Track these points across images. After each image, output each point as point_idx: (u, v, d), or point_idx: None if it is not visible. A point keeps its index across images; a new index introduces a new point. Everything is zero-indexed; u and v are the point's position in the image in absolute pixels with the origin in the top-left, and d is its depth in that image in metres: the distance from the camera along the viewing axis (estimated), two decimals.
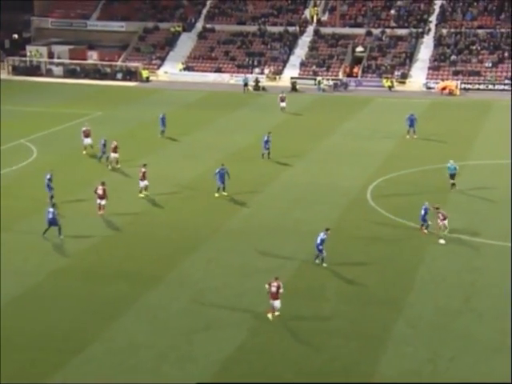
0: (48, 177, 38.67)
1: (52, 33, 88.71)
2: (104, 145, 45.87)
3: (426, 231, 34.63)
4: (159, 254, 32.90)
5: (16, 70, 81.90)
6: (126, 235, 35.22)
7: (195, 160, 47.42)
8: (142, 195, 39.92)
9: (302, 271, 30.99)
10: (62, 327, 26.42)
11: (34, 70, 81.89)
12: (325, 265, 30.93)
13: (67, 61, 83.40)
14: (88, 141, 48.48)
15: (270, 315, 26.57)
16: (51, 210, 34.15)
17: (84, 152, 48.31)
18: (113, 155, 45.48)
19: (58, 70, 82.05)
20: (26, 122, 58.49)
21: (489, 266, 31.53)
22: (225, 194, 39.99)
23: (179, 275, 30.76)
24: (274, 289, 26.37)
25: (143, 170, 39.93)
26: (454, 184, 41.15)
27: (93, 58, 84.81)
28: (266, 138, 47.63)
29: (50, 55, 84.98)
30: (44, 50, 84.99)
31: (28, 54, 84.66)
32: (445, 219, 33.83)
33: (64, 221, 35.27)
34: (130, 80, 79.81)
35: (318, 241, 30.90)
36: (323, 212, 38.06)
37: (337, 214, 37.83)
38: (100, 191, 37.00)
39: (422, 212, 34.48)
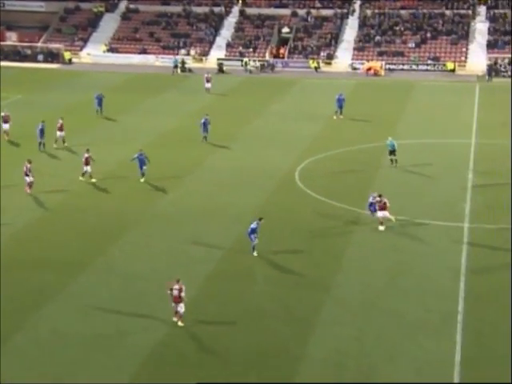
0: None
1: None
2: (41, 130, 44.77)
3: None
4: (85, 240, 32.52)
5: None
6: (51, 221, 34.70)
7: (121, 144, 46.93)
8: (82, 179, 39.58)
9: (230, 255, 31.12)
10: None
11: None
12: (255, 254, 30.75)
13: None
14: (6, 126, 47.42)
15: (177, 320, 25.27)
16: None
17: (6, 138, 47.16)
18: (59, 134, 45.67)
19: None
20: None
21: (414, 245, 32.29)
22: (142, 180, 39.50)
23: (107, 262, 30.52)
24: (175, 292, 25.03)
25: (86, 155, 39.43)
26: (395, 160, 41.85)
27: (12, 39, 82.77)
28: (203, 121, 47.27)
29: None
30: None
31: None
32: (384, 209, 32.97)
33: None
34: (51, 62, 78.27)
35: (249, 230, 30.69)
36: (251, 195, 38.26)
37: (265, 197, 38.07)
38: (25, 168, 37.20)
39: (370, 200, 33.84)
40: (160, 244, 32.25)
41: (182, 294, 25.04)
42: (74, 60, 79.10)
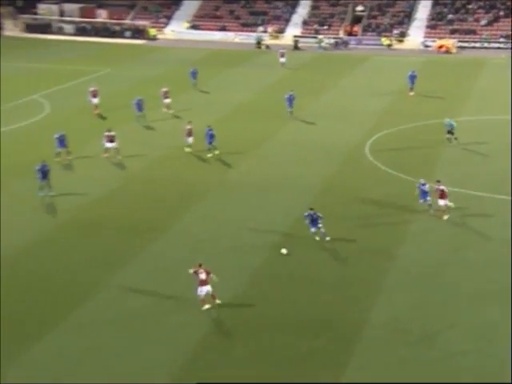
0: (57, 136, 37.89)
1: None
2: (138, 104, 45.00)
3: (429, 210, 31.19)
4: (163, 206, 32.79)
5: (28, 28, 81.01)
6: (133, 188, 35.08)
7: (198, 116, 46.93)
8: (188, 150, 39.30)
9: (297, 224, 30.83)
10: (73, 275, 26.49)
11: (46, 28, 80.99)
12: (317, 238, 28.73)
13: (77, 19, 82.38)
14: (95, 100, 47.40)
15: (208, 306, 24.00)
16: (45, 164, 33.12)
17: (95, 112, 47.42)
18: (166, 101, 46.87)
19: (68, 27, 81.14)
20: (39, 78, 57.98)
21: (476, 219, 31.35)
22: (216, 152, 38.92)
23: (182, 227, 30.72)
24: (202, 276, 23.81)
25: (188, 126, 39.26)
26: (454, 138, 40.46)
27: (102, 16, 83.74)
28: (288, 96, 46.60)
29: (61, 13, 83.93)
30: (55, 8, 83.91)
31: (40, 12, 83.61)
32: (444, 197, 30.54)
33: (69, 176, 35.19)
34: (137, 38, 78.93)
35: (306, 219, 28.78)
36: (321, 167, 37.82)
37: (335, 169, 37.60)
38: (108, 138, 38.04)
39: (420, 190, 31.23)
40: (231, 212, 32.22)
41: (211, 276, 23.92)
42: (158, 36, 79.55)
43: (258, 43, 74.18)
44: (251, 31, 78.28)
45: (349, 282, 25.99)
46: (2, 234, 29.52)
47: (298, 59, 66.78)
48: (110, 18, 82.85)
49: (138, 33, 79.85)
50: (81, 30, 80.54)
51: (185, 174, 36.78)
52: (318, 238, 28.82)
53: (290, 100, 46.47)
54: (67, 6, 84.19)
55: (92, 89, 47.79)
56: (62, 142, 37.77)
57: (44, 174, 32.85)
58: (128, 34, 79.85)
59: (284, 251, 27.51)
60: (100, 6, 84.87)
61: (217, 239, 29.38)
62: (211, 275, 23.97)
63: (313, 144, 41.67)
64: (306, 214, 28.92)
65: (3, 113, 47.11)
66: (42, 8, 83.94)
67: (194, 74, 54.85)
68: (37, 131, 42.62)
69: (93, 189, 34.53)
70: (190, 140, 39.32)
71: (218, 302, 24.09)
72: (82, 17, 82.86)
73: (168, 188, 34.91)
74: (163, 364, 21.38)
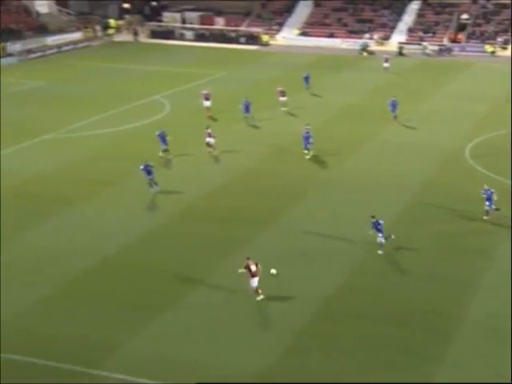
0: (158, 133, 38.53)
1: (185, 1, 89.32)
2: (246, 106, 45.46)
3: (486, 217, 29.93)
4: (269, 201, 32.94)
5: (154, 34, 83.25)
6: (238, 184, 35.39)
7: (305, 117, 46.85)
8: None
9: (397, 223, 30.27)
10: (182, 262, 27.01)
11: (169, 34, 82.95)
12: (380, 252, 27.18)
13: (197, 26, 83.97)
14: (207, 103, 47.55)
15: (260, 297, 24.08)
16: (148, 163, 33.32)
17: (207, 114, 47.52)
18: (281, 99, 47.72)
19: (189, 34, 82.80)
20: (161, 80, 59.48)
21: None
22: (310, 154, 38.31)
23: (287, 221, 30.76)
24: (254, 267, 23.95)
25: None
26: None
27: (220, 23, 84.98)
28: (391, 101, 45.76)
29: (183, 21, 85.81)
30: (178, 16, 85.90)
31: (164, 19, 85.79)
32: None
33: (180, 170, 35.90)
34: (251, 44, 79.56)
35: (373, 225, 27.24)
36: (421, 168, 36.98)
37: (434, 170, 36.66)
38: (207, 134, 38.71)
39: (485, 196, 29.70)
40: (331, 208, 31.98)
41: (259, 267, 24.02)
42: (270, 42, 79.92)
43: (363, 49, 73.20)
44: (358, 38, 77.40)
45: (448, 279, 25.31)
46: (125, 224, 30.50)
47: (402, 65, 65.49)
48: (227, 25, 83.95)
49: (252, 39, 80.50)
50: (200, 36, 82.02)
51: (289, 172, 36.80)
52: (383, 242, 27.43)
53: (393, 105, 45.64)
54: (188, 14, 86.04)
55: (205, 92, 48.14)
56: (163, 139, 38.27)
57: (148, 172, 33.16)
58: (243, 39, 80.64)
59: (273, 271, 24.71)
60: (218, 14, 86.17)
61: (318, 233, 29.23)
62: (259, 266, 23.94)
63: (413, 146, 40.77)
64: (373, 221, 27.28)
65: (130, 111, 48.66)
66: (166, 16, 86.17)
67: (307, 79, 54.77)
68: (156, 129, 43.73)
69: (202, 184, 35.11)
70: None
71: (259, 297, 24.01)
72: (201, 24, 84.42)
73: (273, 184, 35.03)
74: (268, 346, 21.48)
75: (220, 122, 45.78)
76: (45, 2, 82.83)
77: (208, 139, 38.99)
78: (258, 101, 48.74)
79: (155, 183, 33.54)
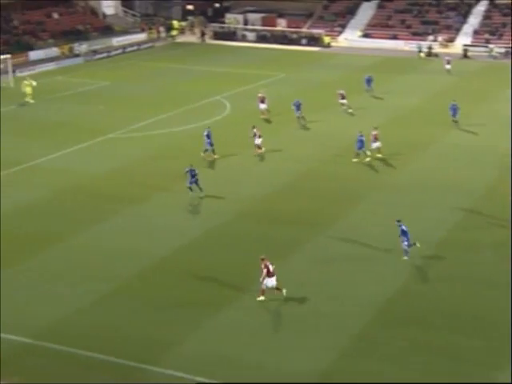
0: (205, 133, 38.74)
1: (248, 2, 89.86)
2: (297, 105, 45.66)
3: None
4: (328, 203, 32.90)
5: (216, 35, 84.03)
6: (294, 186, 35.41)
7: (361, 119, 46.59)
8: (378, 155, 38.46)
9: (459, 225, 29.83)
10: (237, 262, 27.24)
11: (231, 36, 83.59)
12: (405, 257, 26.81)
13: (259, 27, 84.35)
14: (263, 106, 47.49)
15: (283, 291, 24.01)
16: (191, 169, 32.73)
17: (262, 116, 47.61)
18: (342, 101, 48.07)
19: (251, 35, 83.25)
20: (223, 80, 60.00)
21: None
22: (354, 160, 38.07)
23: (344, 223, 30.65)
24: (271, 267, 23.77)
25: (374, 132, 38.65)
26: None
27: (281, 25, 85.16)
28: (451, 106, 45.14)
29: (245, 22, 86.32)
30: (240, 17, 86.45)
31: (226, 21, 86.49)
32: None
33: (235, 171, 36.14)
34: (313, 45, 79.41)
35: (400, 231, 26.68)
36: (484, 172, 36.29)
37: (497, 174, 35.93)
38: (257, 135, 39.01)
39: None
40: (390, 210, 31.66)
41: (274, 267, 23.83)
42: (332, 44, 79.65)
43: (420, 51, 71.98)
44: (421, 40, 76.32)
45: (508, 286, 24.77)
46: (182, 224, 30.94)
47: (467, 67, 64.37)
48: (289, 27, 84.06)
49: (314, 40, 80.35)
50: (261, 38, 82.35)
51: (346, 174, 36.68)
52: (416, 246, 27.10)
53: (454, 109, 44.97)
54: (251, 16, 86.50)
55: (260, 95, 48.20)
56: (209, 138, 38.45)
57: (193, 176, 32.70)
58: (304, 41, 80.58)
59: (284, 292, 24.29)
60: (280, 16, 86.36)
61: (375, 236, 29.05)
62: (274, 266, 23.79)
63: (475, 150, 40.08)
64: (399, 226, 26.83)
65: (191, 111, 49.29)
66: (228, 17, 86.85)
67: (369, 81, 54.39)
68: (216, 129, 44.16)
69: (258, 185, 35.30)
70: (376, 145, 38.43)
71: (284, 292, 23.95)
72: (263, 25, 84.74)
73: (331, 186, 34.96)
74: (323, 349, 21.50)
75: (277, 123, 45.96)
76: (111, 4, 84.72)
77: (257, 140, 39.20)
78: (318, 102, 48.67)
79: (200, 188, 32.83)
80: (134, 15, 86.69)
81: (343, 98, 48.46)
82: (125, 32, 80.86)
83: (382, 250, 27.72)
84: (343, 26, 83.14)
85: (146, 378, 20.43)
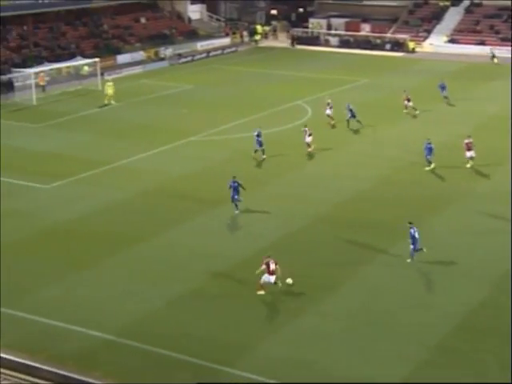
0: (256, 133, 39.13)
1: (332, 7, 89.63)
2: (350, 110, 45.36)
3: None
4: (404, 211, 32.44)
5: (298, 40, 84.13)
6: (371, 193, 35.05)
7: (444, 126, 45.63)
8: (468, 165, 37.75)
9: None
10: (317, 266, 27.19)
11: (314, 40, 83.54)
12: (408, 260, 27.01)
13: (343, 32, 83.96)
14: (329, 112, 47.17)
15: (262, 292, 24.75)
16: (234, 181, 31.59)
17: (331, 122, 47.09)
18: (407, 104, 48.42)
19: (334, 40, 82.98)
20: (304, 85, 60.02)
21: None
22: (432, 166, 37.25)
23: (423, 231, 30.10)
24: (273, 266, 24.49)
25: (467, 140, 37.88)
26: None
27: (365, 30, 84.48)
28: None
29: (329, 27, 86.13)
30: (324, 22, 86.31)
31: (310, 25, 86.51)
32: None
33: (311, 175, 36.06)
34: (397, 51, 78.42)
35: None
36: None
37: None
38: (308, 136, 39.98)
39: None
40: (473, 220, 30.98)
41: (277, 267, 24.55)
42: (417, 49, 78.40)
43: (493, 56, 69.97)
44: (511, 45, 74.08)
45: None
46: (262, 227, 31.15)
47: None
48: (373, 32, 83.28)
49: (398, 46, 79.33)
50: (345, 43, 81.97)
51: (431, 181, 36.03)
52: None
53: None
54: (334, 21, 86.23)
55: (328, 101, 48.13)
56: (259, 137, 39.08)
57: (235, 189, 31.43)
58: (388, 46, 79.69)
59: (290, 281, 25.08)
60: (364, 21, 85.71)
61: (457, 246, 28.44)
62: (277, 266, 24.52)
63: None
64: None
65: (273, 115, 49.55)
66: (312, 22, 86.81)
67: (443, 88, 53.21)
68: (296, 134, 44.37)
69: (336, 190, 35.21)
70: (470, 154, 37.53)
71: (289, 281, 24.86)
72: (347, 30, 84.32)
73: (409, 194, 34.47)
74: (403, 358, 21.23)
75: (357, 129, 45.67)
76: (197, 9, 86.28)
77: (308, 139, 40.14)
78: (400, 108, 47.92)
79: (236, 205, 31.64)
80: (218, 20, 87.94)
81: (409, 100, 48.29)
82: (209, 36, 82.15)
83: (463, 261, 27.06)
84: (429, 31, 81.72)
85: (220, 379, 20.66)
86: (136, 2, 77.09)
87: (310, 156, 39.89)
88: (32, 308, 24.09)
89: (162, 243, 29.48)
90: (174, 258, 28.13)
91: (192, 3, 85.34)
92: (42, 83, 56.73)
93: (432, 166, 37.42)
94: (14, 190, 35.22)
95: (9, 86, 56.27)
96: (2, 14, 61.67)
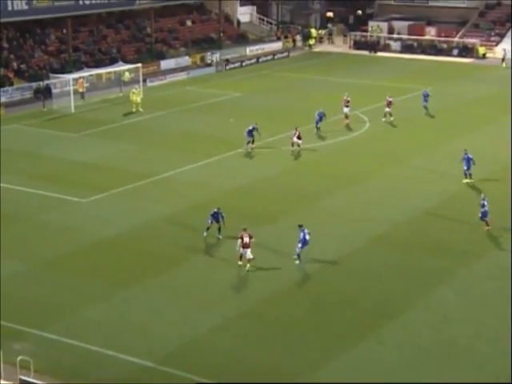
0: (250, 128, 42.18)
1: (393, 9, 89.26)
2: (320, 116, 46.58)
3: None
4: (477, 230, 31.93)
5: (356, 45, 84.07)
6: (441, 209, 34.61)
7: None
8: None
9: None
10: (377, 292, 26.93)
11: (373, 45, 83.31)
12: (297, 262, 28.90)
13: (405, 36, 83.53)
14: (346, 110, 49.09)
15: (243, 264, 28.29)
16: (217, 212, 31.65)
17: (345, 122, 48.87)
18: (387, 110, 49.05)
19: (395, 45, 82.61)
20: (363, 93, 59.77)
21: None
22: (464, 181, 37.57)
23: (495, 257, 29.58)
24: (247, 239, 27.98)
25: None
26: None
27: (430, 33, 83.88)
28: None
29: (390, 31, 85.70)
30: (384, 25, 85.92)
31: (369, 29, 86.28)
32: None
33: (379, 189, 35.86)
34: (465, 56, 77.67)
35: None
36: None
37: None
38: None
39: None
40: None
41: (252, 240, 28.08)
42: (487, 55, 77.46)
43: (503, 59, 69.17)
44: None
45: None
46: (322, 246, 31.11)
47: None
48: (438, 36, 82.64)
49: (466, 51, 78.55)
50: (407, 48, 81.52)
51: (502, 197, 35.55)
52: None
53: None
54: (396, 24, 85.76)
55: (346, 98, 48.93)
56: (250, 132, 42.46)
57: (216, 218, 31.56)
58: (455, 52, 78.98)
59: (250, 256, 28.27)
60: (429, 24, 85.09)
61: None
62: (253, 239, 28.09)
63: None
64: None
65: (327, 126, 49.45)
66: (371, 25, 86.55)
67: (426, 97, 52.93)
68: (354, 147, 44.20)
69: (404, 208, 34.87)
70: None
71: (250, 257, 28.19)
72: (410, 34, 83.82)
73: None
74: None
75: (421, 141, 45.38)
76: (246, 11, 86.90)
77: (295, 139, 42.90)
78: (469, 120, 47.34)
79: (219, 232, 31.77)
80: (269, 23, 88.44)
81: (389, 105, 49.27)
82: (259, 40, 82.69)
83: None
84: (501, 35, 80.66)
85: None
86: (181, 3, 78.04)
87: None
88: (69, 330, 24.40)
89: (210, 263, 29.59)
90: (223, 279, 28.16)
91: (241, 5, 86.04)
92: (81, 90, 57.83)
93: (468, 179, 37.51)
94: (49, 204, 35.84)
95: (46, 93, 57.47)
96: (41, 17, 63.14)
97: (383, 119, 49.29)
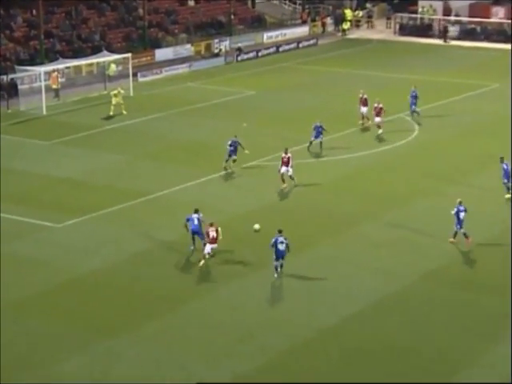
0: (229, 143, 42.68)
1: None
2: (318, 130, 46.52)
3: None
4: None
5: (403, 30, 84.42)
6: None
7: None
8: None
9: None
10: (433, 341, 27.19)
11: (425, 30, 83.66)
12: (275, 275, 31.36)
13: (466, 19, 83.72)
14: (364, 109, 50.44)
15: (203, 262, 31.95)
16: (196, 216, 33.32)
17: (360, 121, 50.06)
18: (377, 119, 49.23)
19: (453, 29, 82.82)
20: (407, 92, 60.17)
21: None
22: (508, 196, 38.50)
23: None
24: (213, 234, 31.74)
25: None
26: None
27: (498, 15, 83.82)
28: None
29: (446, 12, 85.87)
30: (439, 5, 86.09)
31: (419, 10, 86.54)
32: None
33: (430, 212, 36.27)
34: None
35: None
36: None
37: None
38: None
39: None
40: None
41: (220, 237, 31.96)
42: None
43: None
44: None
45: None
46: (365, 285, 31.39)
47: None
48: (509, 18, 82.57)
49: None
50: (468, 33, 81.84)
51: None
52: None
53: None
54: (454, 4, 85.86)
55: (362, 96, 50.14)
56: (234, 148, 42.78)
57: (194, 231, 33.38)
58: None
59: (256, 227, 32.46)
60: (496, 2, 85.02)
61: None
62: (220, 232, 31.99)
63: None
64: None
65: (365, 132, 49.84)
66: (422, 5, 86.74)
67: (414, 98, 53.32)
68: (399, 158, 44.52)
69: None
70: None
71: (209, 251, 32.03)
72: (471, 16, 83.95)
73: None
74: None
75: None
76: None
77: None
78: None
79: (194, 243, 33.70)
80: (292, 2, 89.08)
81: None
82: (280, 25, 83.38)
83: None
84: None
85: None
86: None
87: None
88: None
89: (215, 304, 29.92)
90: (230, 325, 28.43)
91: None
92: (55, 86, 58.46)
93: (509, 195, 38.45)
94: (15, 230, 36.16)
95: (11, 90, 57.99)
96: None
97: (379, 131, 49.32)
